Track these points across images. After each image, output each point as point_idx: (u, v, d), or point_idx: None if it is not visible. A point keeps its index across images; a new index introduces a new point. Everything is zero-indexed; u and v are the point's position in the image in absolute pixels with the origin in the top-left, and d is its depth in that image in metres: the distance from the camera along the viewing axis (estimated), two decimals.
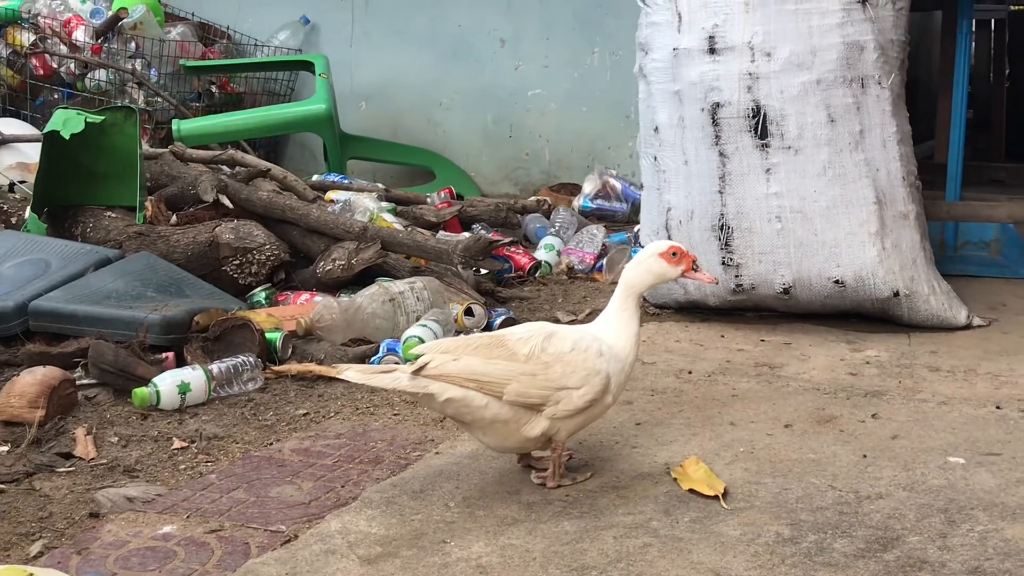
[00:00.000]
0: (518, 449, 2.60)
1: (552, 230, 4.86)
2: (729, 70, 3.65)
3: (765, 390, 3.22)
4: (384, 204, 4.82)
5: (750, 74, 3.64)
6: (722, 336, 3.71)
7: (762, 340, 3.67)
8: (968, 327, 3.79)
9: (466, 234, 4.63)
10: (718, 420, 3.00)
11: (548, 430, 2.51)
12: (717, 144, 3.69)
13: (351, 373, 2.47)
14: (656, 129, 3.83)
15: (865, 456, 2.74)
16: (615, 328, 2.58)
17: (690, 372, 3.36)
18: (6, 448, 2.90)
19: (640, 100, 3.92)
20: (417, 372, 2.46)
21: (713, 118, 3.68)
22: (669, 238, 3.79)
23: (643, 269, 2.61)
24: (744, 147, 3.65)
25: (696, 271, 2.64)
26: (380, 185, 5.44)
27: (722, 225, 3.70)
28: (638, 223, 5.01)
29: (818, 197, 3.62)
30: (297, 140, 6.39)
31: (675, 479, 2.59)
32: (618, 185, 5.35)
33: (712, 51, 3.68)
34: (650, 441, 2.85)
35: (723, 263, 3.71)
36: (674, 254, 2.60)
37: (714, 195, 3.70)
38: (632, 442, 2.85)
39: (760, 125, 3.64)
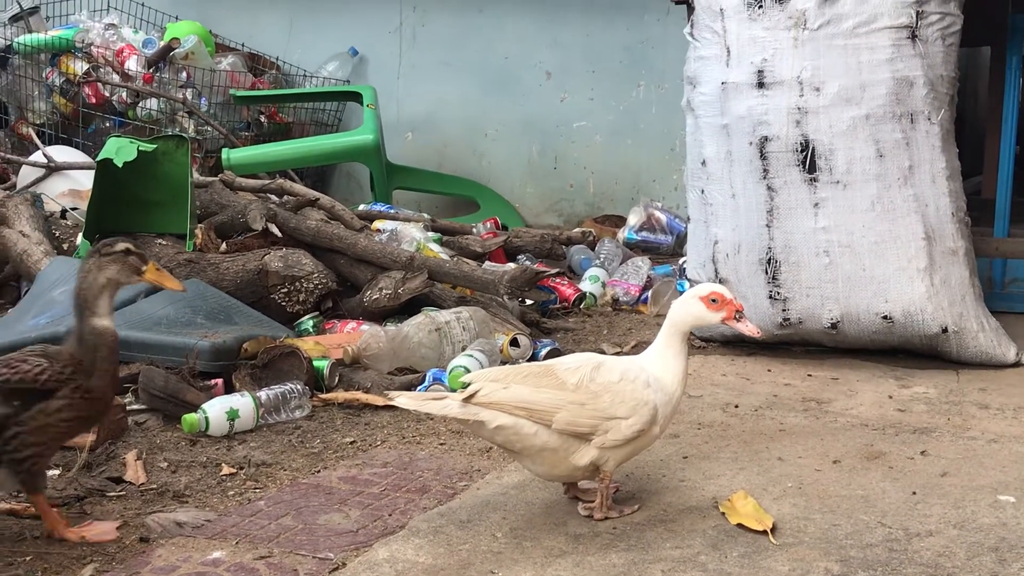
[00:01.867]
0: (566, 478, 2.60)
1: (597, 262, 4.87)
2: (778, 104, 3.66)
3: (813, 425, 3.21)
4: (430, 234, 4.85)
5: (799, 108, 3.64)
6: (769, 370, 3.70)
7: (809, 375, 3.66)
8: (1017, 364, 3.76)
9: (512, 265, 4.65)
10: (765, 455, 2.98)
11: (597, 459, 2.52)
12: (765, 178, 3.69)
13: (402, 400, 2.49)
14: (704, 162, 3.83)
15: (915, 493, 2.72)
16: (662, 361, 2.60)
17: (737, 406, 3.35)
18: (58, 472, 2.94)
19: (687, 133, 3.94)
20: (468, 400, 2.47)
21: (761, 152, 3.68)
22: (716, 271, 3.79)
23: (683, 309, 2.63)
24: (792, 181, 3.65)
25: (739, 321, 2.62)
26: (426, 215, 5.47)
27: (769, 259, 3.70)
28: (683, 255, 5.02)
29: (866, 232, 3.61)
30: (344, 170, 6.45)
31: (723, 513, 2.59)
32: (663, 217, 5.36)
33: (761, 85, 3.69)
34: (697, 475, 2.85)
35: (770, 297, 3.71)
36: (714, 300, 2.61)
37: (762, 229, 3.69)
38: (679, 476, 2.84)
39: (809, 159, 3.64)
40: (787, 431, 3.16)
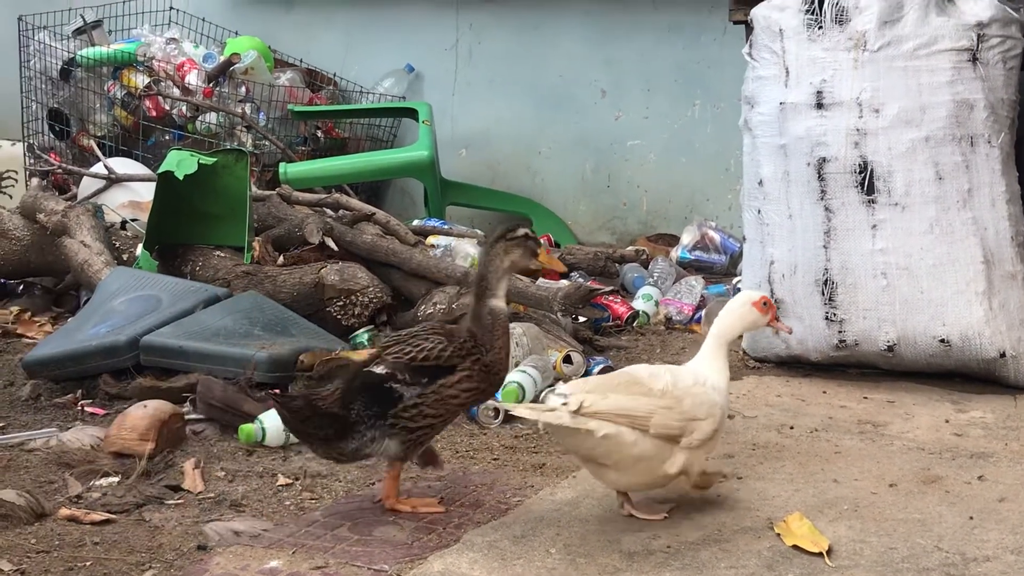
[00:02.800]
0: (653, 485, 2.71)
1: (650, 280, 4.87)
2: (836, 125, 3.65)
3: (869, 448, 3.19)
4: None
5: (858, 130, 3.63)
6: (824, 392, 3.68)
7: (865, 397, 3.63)
8: None
9: (565, 282, 4.65)
10: (821, 477, 2.97)
11: (685, 465, 2.63)
12: (823, 199, 3.68)
13: (521, 410, 2.63)
14: (760, 182, 3.83)
15: (971, 518, 2.70)
16: (712, 369, 2.73)
17: (792, 427, 3.34)
18: (117, 479, 2.98)
19: (744, 153, 3.93)
20: (577, 411, 2.56)
21: (819, 173, 3.67)
22: (772, 292, 3.78)
23: (736, 317, 2.77)
24: (850, 203, 3.64)
25: (777, 321, 2.84)
26: (479, 231, 5.50)
27: (826, 280, 3.68)
28: (736, 275, 5.00)
29: (924, 255, 3.59)
30: (398, 185, 6.49)
31: (778, 534, 2.58)
32: (717, 237, 5.35)
33: (819, 106, 3.68)
34: (752, 495, 2.84)
35: (826, 318, 3.69)
36: (765, 303, 2.78)
37: (818, 250, 3.68)
38: (734, 496, 2.84)
39: (867, 181, 3.63)
40: (843, 453, 3.14)
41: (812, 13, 3.73)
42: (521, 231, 2.81)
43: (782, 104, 3.74)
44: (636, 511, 2.71)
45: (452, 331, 2.78)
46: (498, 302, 2.77)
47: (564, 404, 2.56)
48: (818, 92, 3.69)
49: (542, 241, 2.90)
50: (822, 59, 3.70)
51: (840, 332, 3.69)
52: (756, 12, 3.87)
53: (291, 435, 3.23)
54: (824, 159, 3.67)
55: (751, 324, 2.80)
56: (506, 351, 2.79)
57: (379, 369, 2.73)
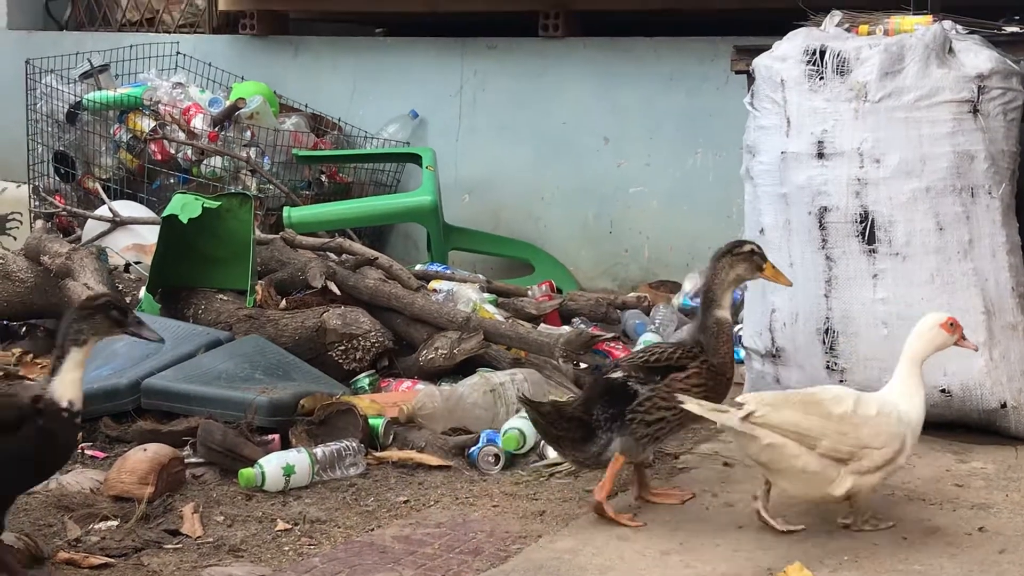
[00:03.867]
0: (817, 500, 2.90)
1: (652, 327, 4.87)
2: (837, 175, 3.67)
3: (871, 499, 3.17)
4: (486, 295, 4.88)
5: (859, 180, 3.65)
6: None
7: None
8: None
9: (566, 328, 4.66)
10: (821, 527, 2.96)
11: (851, 489, 2.80)
12: (824, 248, 3.69)
13: (691, 404, 2.84)
14: (762, 231, 3.84)
15: (972, 570, 2.68)
16: (906, 394, 2.89)
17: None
18: (116, 523, 2.98)
19: (746, 202, 3.95)
20: (745, 418, 2.77)
21: (820, 222, 3.69)
22: (772, 340, 3.79)
23: (926, 340, 2.95)
24: (851, 252, 3.65)
25: (964, 339, 3.00)
26: (481, 276, 5.51)
27: (827, 329, 3.69)
28: (738, 323, 5.00)
29: (925, 305, 3.59)
30: (400, 230, 6.50)
31: None
32: None
33: (820, 156, 3.70)
34: (751, 544, 2.83)
35: (827, 367, 3.69)
36: (952, 324, 2.96)
37: (820, 299, 3.69)
38: (734, 545, 2.83)
39: (868, 231, 3.64)
40: (844, 504, 3.13)
41: (813, 64, 3.75)
42: (747, 247, 3.10)
43: (783, 153, 3.76)
44: (764, 512, 2.90)
45: (681, 342, 3.11)
46: (723, 312, 3.04)
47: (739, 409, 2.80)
48: (819, 142, 3.71)
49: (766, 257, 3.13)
50: (823, 109, 3.72)
51: (842, 381, 3.69)
52: (758, 62, 3.90)
53: (291, 481, 3.23)
54: (825, 208, 3.69)
55: (940, 345, 2.95)
56: (731, 356, 3.04)
57: (617, 374, 3.03)
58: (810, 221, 3.71)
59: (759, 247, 3.12)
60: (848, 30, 3.92)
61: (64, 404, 2.56)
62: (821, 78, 3.74)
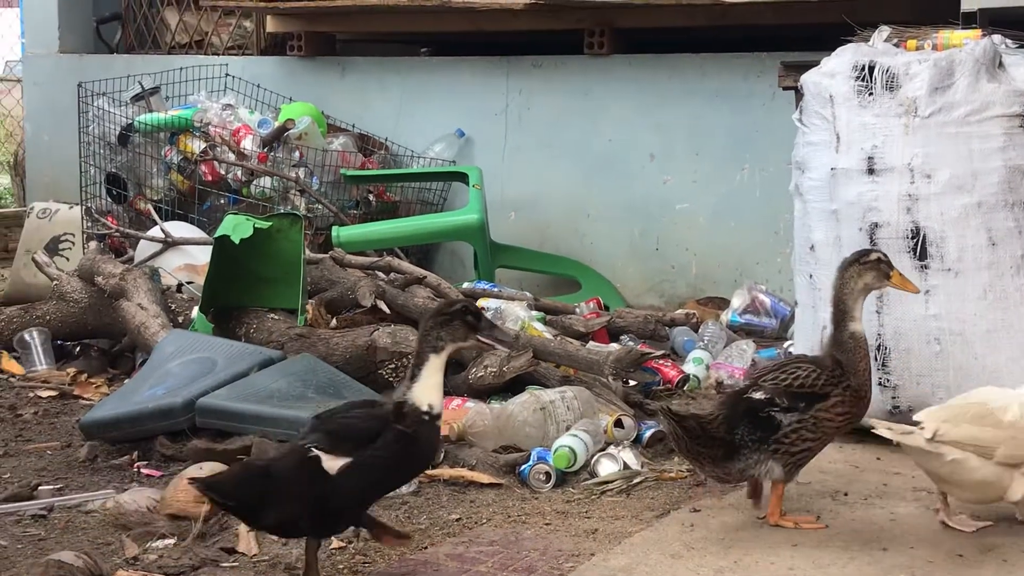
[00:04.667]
0: (992, 502, 3.02)
1: (701, 344, 4.87)
2: (888, 191, 3.66)
3: (924, 516, 3.16)
4: (534, 313, 4.90)
5: (909, 195, 3.64)
6: (878, 459, 3.65)
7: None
8: None
9: (615, 345, 4.67)
10: (875, 545, 2.95)
11: None
12: None
13: (883, 429, 2.95)
14: (812, 247, 3.83)
15: None
16: None
17: (846, 494, 3.31)
18: (172, 541, 3.01)
19: (796, 218, 3.94)
20: (931, 438, 2.89)
21: (871, 238, 3.67)
22: None
23: None
24: (902, 268, 3.62)
25: None
26: (528, 294, 5.53)
27: (879, 345, 3.67)
28: (787, 339, 4.99)
29: (978, 321, 3.58)
30: (447, 248, 6.54)
31: None
32: (767, 300, 5.34)
33: (871, 172, 3.69)
34: (807, 563, 2.82)
35: (879, 383, 3.67)
36: None
37: (871, 315, 3.67)
38: (788, 563, 2.82)
39: (919, 246, 3.63)
40: (898, 521, 3.12)
41: (862, 80, 3.75)
42: (874, 255, 3.08)
43: (833, 170, 3.75)
44: (950, 520, 3.01)
45: (819, 360, 3.07)
46: (857, 325, 3.05)
47: (921, 429, 2.90)
48: (869, 158, 3.70)
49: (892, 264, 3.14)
50: (873, 125, 3.71)
51: (894, 398, 3.67)
52: (806, 78, 3.89)
53: None
54: (876, 224, 3.67)
55: None
56: (868, 372, 3.05)
57: (758, 394, 3.01)
58: (861, 237, 3.70)
59: (885, 255, 3.13)
60: (896, 45, 3.91)
61: (424, 408, 2.71)
62: (870, 94, 3.73)
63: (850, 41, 3.95)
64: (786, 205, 4.22)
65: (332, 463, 2.63)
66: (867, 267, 3.08)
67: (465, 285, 5.46)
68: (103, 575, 2.79)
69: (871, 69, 3.75)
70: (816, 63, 3.93)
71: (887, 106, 3.72)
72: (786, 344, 4.78)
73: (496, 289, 5.44)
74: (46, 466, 3.63)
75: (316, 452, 2.64)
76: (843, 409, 3.00)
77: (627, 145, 6.13)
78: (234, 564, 2.89)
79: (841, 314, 3.07)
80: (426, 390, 2.72)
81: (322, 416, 2.80)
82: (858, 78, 3.76)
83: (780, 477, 3.01)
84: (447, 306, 2.82)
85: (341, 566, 2.88)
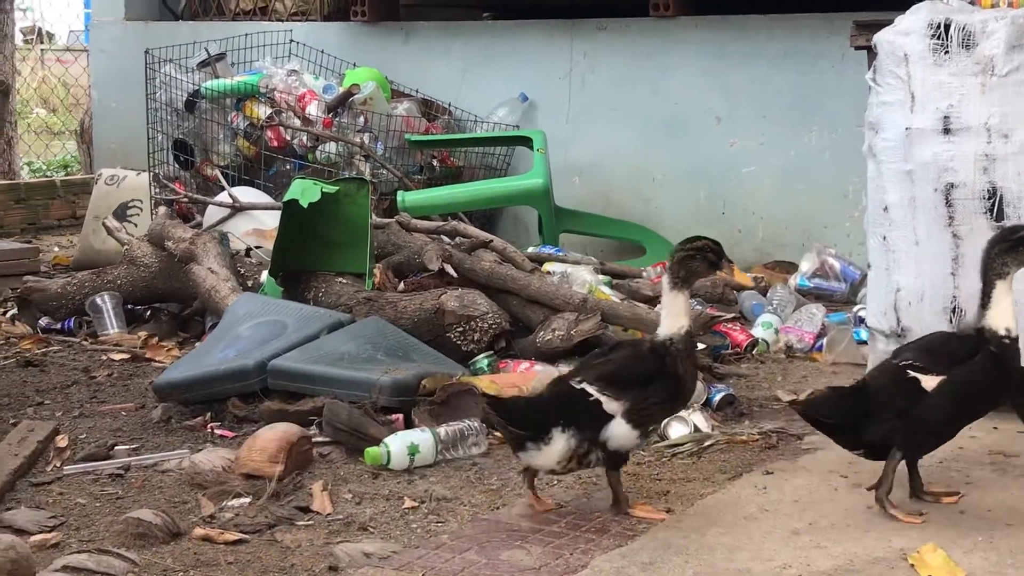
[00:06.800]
0: None
1: (770, 308, 4.82)
2: (964, 151, 3.59)
3: (1000, 479, 3.12)
4: (601, 277, 4.88)
5: (986, 155, 3.57)
6: None
7: (995, 427, 3.55)
8: None
9: None
10: (952, 507, 2.92)
11: None
12: (950, 225, 3.62)
13: None
14: (886, 208, 3.78)
15: None
16: None
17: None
18: (247, 500, 3.04)
19: (869, 179, 3.88)
20: None
21: (947, 199, 3.62)
22: (898, 319, 3.72)
23: None
24: (979, 229, 3.57)
25: None
26: (593, 258, 5.51)
27: (955, 308, 3.61)
28: (856, 303, 4.93)
29: None
30: (510, 213, 6.53)
31: (912, 565, 2.54)
32: (836, 264, 5.28)
33: (946, 131, 3.63)
34: (883, 526, 2.80)
35: None
36: None
37: (947, 277, 3.62)
38: (864, 526, 2.80)
39: (996, 207, 3.56)
40: (974, 484, 3.08)
41: (938, 38, 3.67)
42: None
43: (908, 129, 3.69)
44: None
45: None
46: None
47: None
48: (945, 117, 3.63)
49: None
50: (948, 84, 3.64)
51: None
52: (880, 37, 3.82)
53: (415, 460, 3.27)
54: (952, 185, 3.61)
55: None
56: None
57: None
58: (936, 198, 3.64)
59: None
60: (972, 3, 3.83)
61: (1003, 332, 2.86)
62: (946, 52, 3.66)
63: None
64: (855, 168, 4.17)
65: (929, 381, 2.82)
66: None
67: (530, 249, 5.45)
68: (181, 532, 2.84)
69: (947, 27, 3.67)
70: (889, 22, 3.85)
71: (963, 64, 3.65)
72: (856, 308, 4.73)
73: (562, 253, 5.43)
74: (121, 427, 3.69)
75: (912, 372, 2.84)
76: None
77: (693, 108, 6.07)
78: (308, 523, 2.92)
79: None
80: (1000, 314, 2.86)
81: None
82: (933, 36, 3.69)
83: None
84: (1011, 232, 2.93)
85: (415, 525, 2.90)
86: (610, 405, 2.84)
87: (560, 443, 2.84)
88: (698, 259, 2.96)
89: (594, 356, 3.06)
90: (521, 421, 2.86)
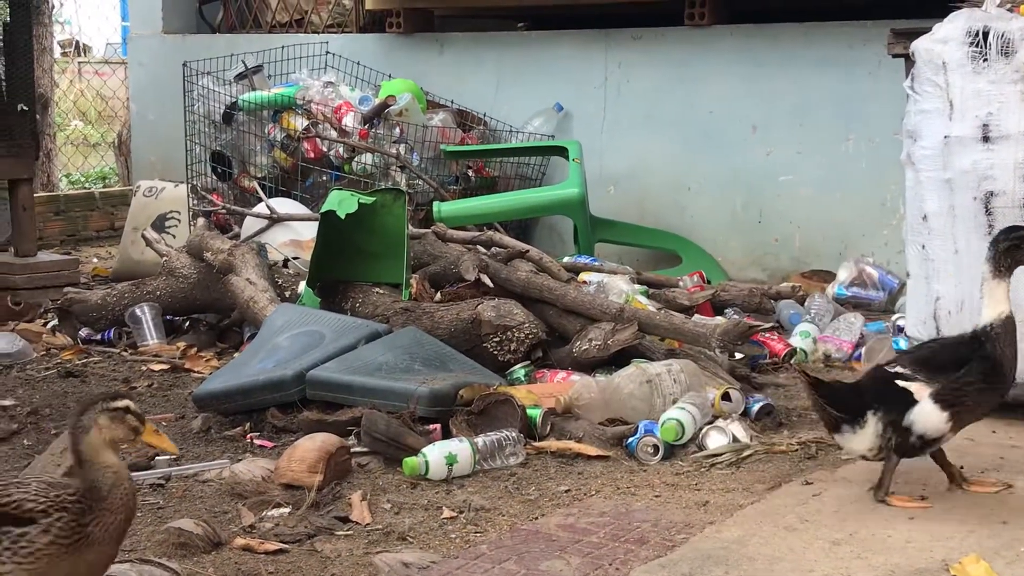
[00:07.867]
0: None
1: (807, 317, 4.81)
2: (1004, 159, 3.57)
3: None
4: (637, 286, 4.87)
5: None
6: (993, 432, 3.58)
7: None
8: None
9: (720, 318, 4.63)
10: (993, 518, 2.89)
11: None
12: (990, 233, 3.57)
13: None
14: (924, 217, 3.76)
15: None
16: None
17: (961, 467, 3.24)
18: (287, 510, 3.06)
19: (907, 188, 3.87)
20: None
21: (986, 207, 3.59)
22: (937, 329, 3.70)
23: None
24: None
25: None
26: (629, 268, 5.50)
27: None
28: (895, 312, 4.91)
29: None
30: (546, 223, 6.54)
31: None
32: (875, 273, 5.25)
33: (986, 139, 3.61)
34: (925, 536, 2.78)
35: None
36: None
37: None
38: (905, 536, 2.78)
39: None
40: (1016, 494, 3.06)
41: (976, 46, 3.66)
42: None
43: (947, 138, 3.67)
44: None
45: None
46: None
47: None
48: (984, 125, 3.61)
49: None
50: (987, 92, 3.62)
51: None
52: (917, 45, 3.81)
53: (453, 470, 3.28)
54: (991, 193, 3.59)
55: None
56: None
57: None
58: (975, 207, 3.62)
59: None
60: (1010, 10, 3.81)
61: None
62: (985, 60, 3.64)
63: (960, 6, 3.86)
64: (893, 176, 4.15)
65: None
66: None
67: (565, 259, 5.45)
68: (222, 542, 2.85)
69: (985, 35, 3.65)
70: (927, 30, 3.84)
71: (1002, 72, 3.63)
72: (895, 317, 4.70)
73: (598, 263, 5.43)
74: None
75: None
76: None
77: (728, 116, 6.07)
78: (348, 532, 2.93)
79: None
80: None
81: None
82: (972, 44, 3.67)
83: None
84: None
85: (453, 535, 2.91)
86: (919, 388, 2.93)
87: (871, 427, 2.95)
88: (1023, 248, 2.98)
89: (917, 347, 3.21)
90: (840, 403, 2.99)
